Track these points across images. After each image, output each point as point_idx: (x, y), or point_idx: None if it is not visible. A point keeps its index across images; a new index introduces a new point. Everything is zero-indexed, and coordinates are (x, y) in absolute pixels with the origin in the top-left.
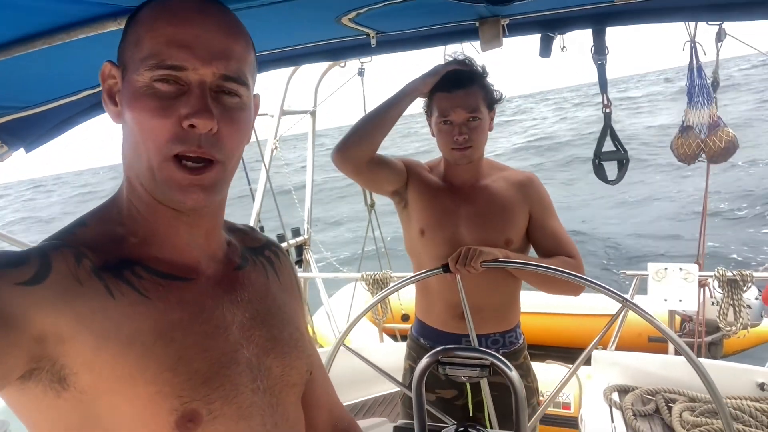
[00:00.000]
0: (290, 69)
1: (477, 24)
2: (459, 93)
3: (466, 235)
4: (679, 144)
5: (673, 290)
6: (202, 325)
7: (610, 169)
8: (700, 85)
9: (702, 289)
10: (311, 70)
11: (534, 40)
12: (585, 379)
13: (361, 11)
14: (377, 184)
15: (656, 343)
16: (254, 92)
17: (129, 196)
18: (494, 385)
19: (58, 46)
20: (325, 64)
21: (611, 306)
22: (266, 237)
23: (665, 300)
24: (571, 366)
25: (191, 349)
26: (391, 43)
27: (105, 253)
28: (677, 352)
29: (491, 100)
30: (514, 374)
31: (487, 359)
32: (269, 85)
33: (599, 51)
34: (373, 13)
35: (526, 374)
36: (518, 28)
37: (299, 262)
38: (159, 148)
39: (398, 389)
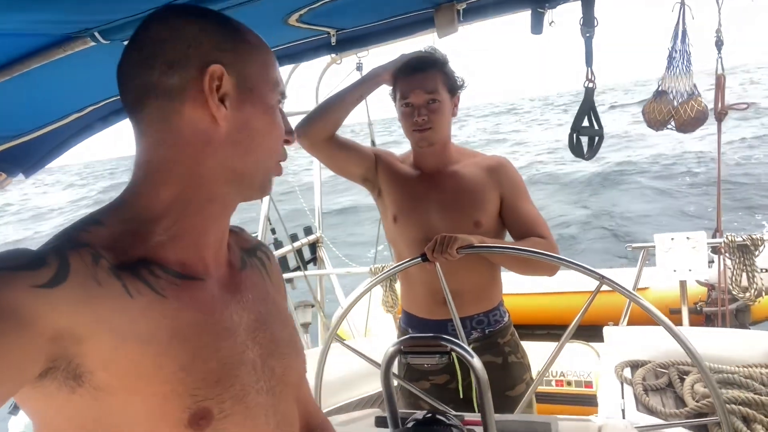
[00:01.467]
0: (287, 71)
1: (433, 12)
2: (418, 76)
3: (437, 219)
4: (650, 108)
5: (682, 260)
6: (215, 325)
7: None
8: (682, 51)
9: (722, 257)
10: (310, 71)
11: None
12: (601, 356)
13: (303, 12)
14: (339, 165)
15: (678, 315)
16: None
17: (159, 197)
18: (484, 364)
19: (38, 72)
20: (324, 63)
21: (621, 278)
22: (254, 238)
23: (674, 271)
24: (590, 344)
25: (205, 349)
26: (352, 40)
27: (122, 252)
28: (695, 323)
29: (452, 86)
30: (476, 361)
31: (446, 346)
32: None
33: (588, 23)
34: (323, 12)
35: (515, 350)
36: (476, 11)
37: (313, 260)
38: (277, 153)
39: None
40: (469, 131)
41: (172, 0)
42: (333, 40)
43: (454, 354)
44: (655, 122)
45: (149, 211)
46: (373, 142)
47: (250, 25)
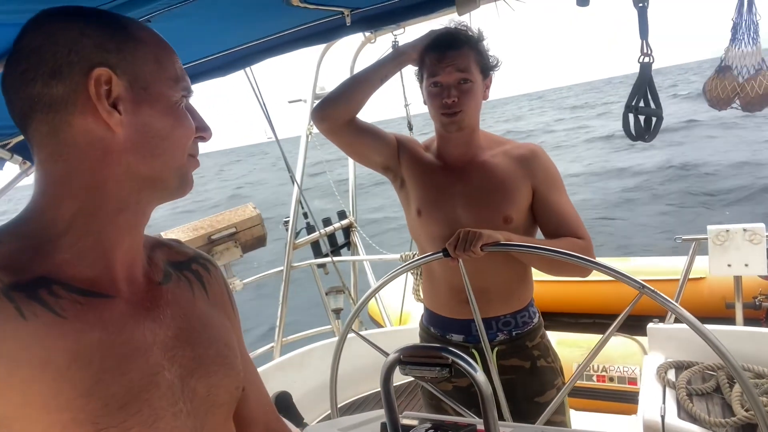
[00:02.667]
0: (320, 51)
1: None
2: (450, 53)
3: (463, 214)
4: (713, 86)
5: (737, 254)
6: (122, 346)
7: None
8: (748, 21)
9: None
10: (343, 50)
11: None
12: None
13: None
14: (359, 152)
15: (734, 310)
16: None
17: (60, 210)
18: (509, 368)
19: None
20: (358, 42)
21: (645, 269)
22: (194, 250)
23: (729, 266)
24: (636, 338)
25: (108, 372)
26: (368, 20)
27: (19, 270)
28: (754, 319)
29: (486, 66)
30: (479, 375)
31: (447, 357)
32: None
33: None
34: None
35: (544, 354)
36: None
37: (347, 245)
38: (184, 150)
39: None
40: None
41: None
42: (348, 20)
43: (477, 356)
44: (719, 100)
45: (50, 228)
46: (410, 125)
47: (250, 8)
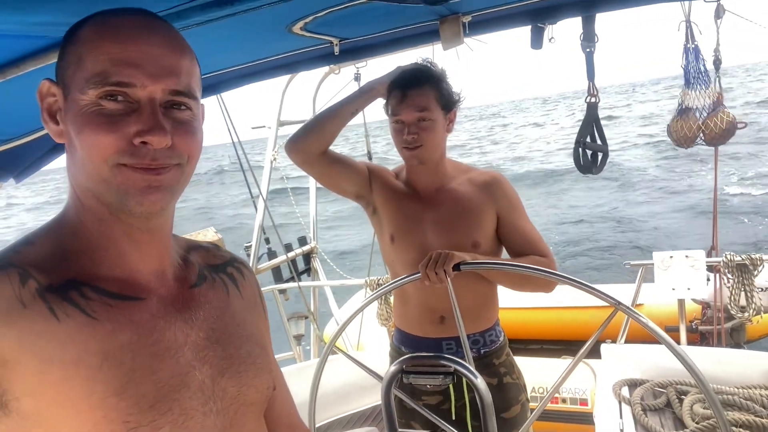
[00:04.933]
0: (285, 80)
1: (438, 24)
2: (410, 92)
3: (434, 240)
4: (678, 127)
5: (680, 278)
6: (152, 346)
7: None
8: (696, 67)
9: (717, 275)
10: (308, 80)
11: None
12: (597, 374)
13: (308, 20)
14: (332, 181)
15: (675, 333)
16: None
17: (78, 215)
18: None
19: (34, 75)
20: (322, 73)
21: (617, 294)
22: (230, 254)
23: (673, 289)
24: (587, 362)
25: (139, 371)
26: (355, 50)
27: (52, 272)
28: (693, 342)
29: (447, 103)
30: (479, 381)
31: (450, 366)
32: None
33: (588, 38)
34: (327, 21)
35: (510, 371)
36: (482, 25)
37: (307, 271)
38: (105, 159)
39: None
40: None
41: (178, 3)
42: (336, 49)
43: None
44: (685, 139)
45: (79, 231)
46: (369, 154)
47: (253, 32)
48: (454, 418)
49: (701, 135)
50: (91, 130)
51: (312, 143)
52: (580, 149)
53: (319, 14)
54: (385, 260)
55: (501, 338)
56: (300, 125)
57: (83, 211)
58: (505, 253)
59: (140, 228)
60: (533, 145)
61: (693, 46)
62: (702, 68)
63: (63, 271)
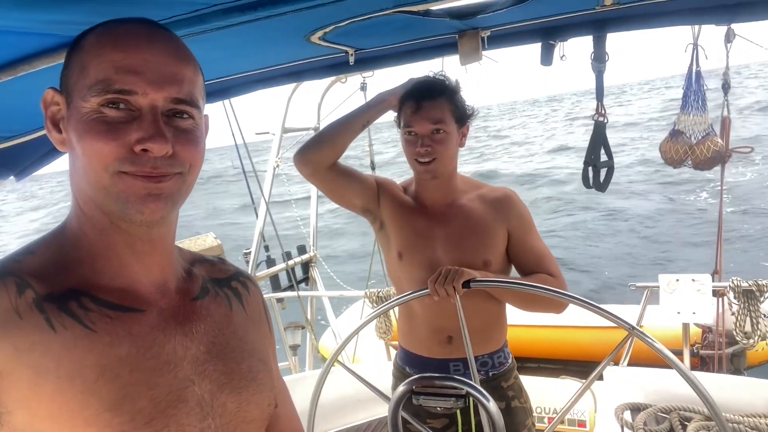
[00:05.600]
0: (290, 88)
1: (456, 37)
2: (424, 104)
3: (444, 257)
4: (667, 148)
5: (686, 302)
6: (151, 360)
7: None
8: (697, 91)
9: (720, 300)
10: (313, 88)
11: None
12: (598, 397)
13: (327, 30)
14: (340, 194)
15: (679, 356)
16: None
17: (80, 224)
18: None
19: (43, 74)
20: (328, 81)
21: (621, 315)
22: (236, 268)
23: (678, 313)
24: (583, 381)
25: (136, 386)
26: (370, 60)
27: (52, 282)
28: (693, 367)
29: (461, 116)
30: (491, 405)
31: (462, 389)
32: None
33: (599, 58)
34: (346, 31)
35: (518, 395)
36: (499, 39)
37: (305, 280)
38: (105, 167)
39: None
40: None
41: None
42: (351, 59)
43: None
44: (672, 161)
45: (80, 240)
46: (372, 164)
47: (270, 39)
48: None
49: (689, 159)
50: (92, 137)
51: (321, 155)
52: (590, 169)
53: (340, 24)
54: (391, 277)
55: (509, 360)
56: (303, 132)
57: (85, 221)
58: (514, 272)
59: (141, 238)
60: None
61: (696, 70)
62: (701, 92)
63: (63, 281)
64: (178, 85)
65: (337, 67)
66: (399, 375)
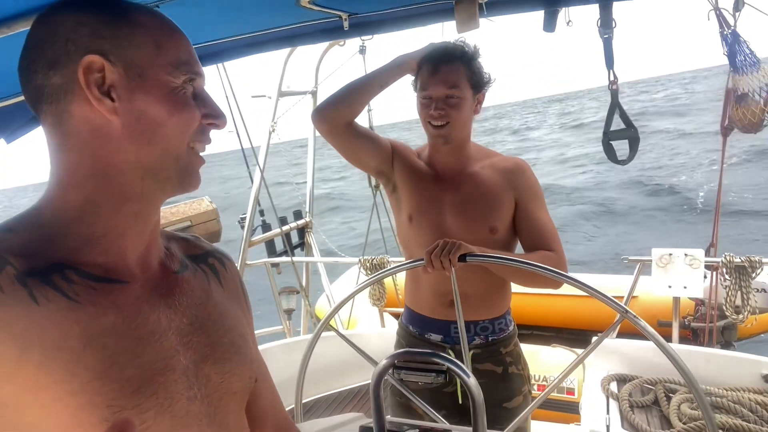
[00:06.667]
0: (286, 51)
1: (453, 3)
2: (441, 67)
3: (451, 223)
4: (740, 115)
5: (678, 277)
6: (136, 329)
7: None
8: (741, 50)
9: (714, 273)
10: (310, 51)
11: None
12: (587, 367)
13: None
14: (355, 155)
15: (666, 328)
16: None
17: (65, 200)
18: (482, 372)
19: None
20: (325, 43)
21: (614, 286)
22: (210, 245)
23: (669, 287)
24: (576, 351)
25: (123, 355)
26: (364, 25)
27: (33, 258)
28: (681, 337)
29: (477, 82)
30: (471, 380)
31: (443, 364)
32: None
33: (606, 24)
34: None
35: (516, 361)
36: (498, 6)
37: (301, 245)
38: (187, 138)
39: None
40: None
41: None
42: (345, 24)
43: (453, 356)
44: (751, 125)
45: (62, 216)
46: (370, 126)
47: (262, 3)
48: (460, 401)
49: (766, 116)
50: (184, 110)
51: (339, 114)
52: (610, 142)
53: None
54: (401, 240)
55: (510, 327)
56: (300, 95)
57: (76, 196)
58: (518, 248)
59: (147, 214)
60: None
61: (729, 31)
62: (747, 50)
63: (45, 256)
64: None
65: (332, 32)
66: (403, 333)
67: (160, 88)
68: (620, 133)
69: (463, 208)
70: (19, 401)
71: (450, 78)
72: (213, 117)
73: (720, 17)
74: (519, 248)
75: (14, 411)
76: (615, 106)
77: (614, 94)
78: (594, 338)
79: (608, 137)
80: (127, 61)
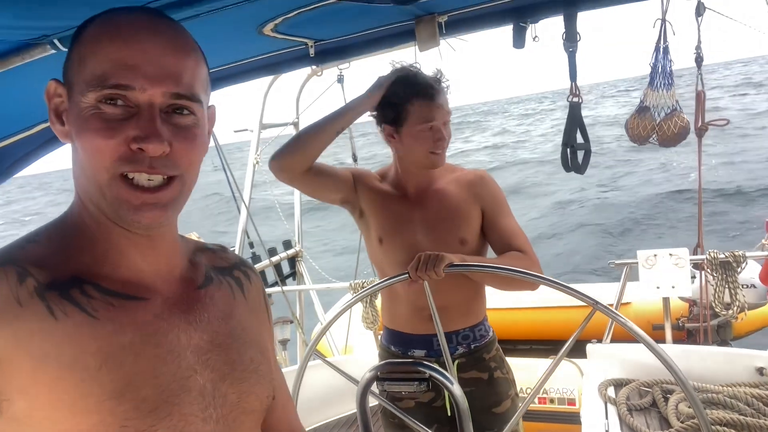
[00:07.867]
0: (267, 83)
1: (414, 24)
2: (435, 95)
3: (422, 239)
4: (634, 124)
5: (665, 277)
6: (154, 348)
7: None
8: (664, 67)
9: (703, 273)
10: (290, 82)
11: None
12: (584, 375)
13: (278, 21)
14: (319, 193)
15: (661, 331)
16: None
17: (81, 215)
18: (468, 380)
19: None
20: (305, 74)
21: (612, 293)
22: (237, 257)
23: (657, 288)
24: (573, 360)
25: (139, 375)
26: (331, 52)
27: (54, 270)
28: (677, 339)
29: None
30: (455, 387)
31: (424, 372)
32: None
33: (570, 38)
34: (298, 21)
35: (500, 366)
36: (459, 24)
37: (292, 275)
38: (105, 167)
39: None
40: None
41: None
42: (311, 51)
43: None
44: (639, 137)
45: (83, 229)
46: (354, 156)
47: (224, 35)
48: (449, 413)
49: (655, 135)
50: (91, 134)
51: (295, 162)
52: (568, 150)
53: (288, 15)
54: (373, 261)
55: (490, 333)
56: (282, 127)
57: (86, 212)
58: (490, 251)
59: (141, 236)
60: None
61: (664, 45)
62: (668, 70)
63: (66, 269)
64: (178, 79)
65: (300, 59)
66: (384, 354)
67: (76, 110)
68: (579, 145)
69: (434, 224)
70: (32, 416)
71: (444, 102)
72: (140, 140)
73: (663, 28)
74: (490, 252)
75: (27, 426)
76: (576, 118)
77: (576, 107)
78: (588, 345)
79: (571, 147)
80: (68, 81)
